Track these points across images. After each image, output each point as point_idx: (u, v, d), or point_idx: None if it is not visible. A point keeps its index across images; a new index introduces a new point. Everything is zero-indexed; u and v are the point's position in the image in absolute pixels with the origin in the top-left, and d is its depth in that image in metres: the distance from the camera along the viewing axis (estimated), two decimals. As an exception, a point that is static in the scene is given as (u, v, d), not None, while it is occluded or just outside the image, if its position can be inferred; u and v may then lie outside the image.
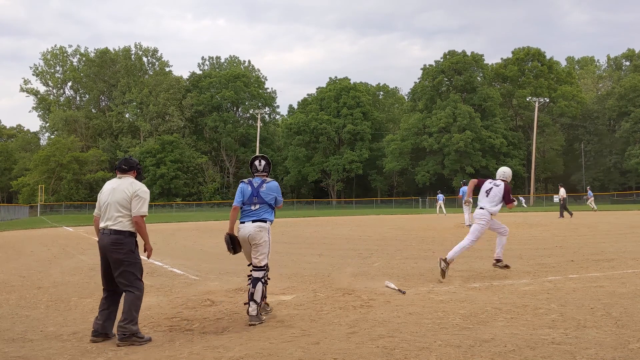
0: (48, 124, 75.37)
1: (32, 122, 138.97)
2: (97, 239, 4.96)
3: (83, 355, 4.33)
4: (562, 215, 25.10)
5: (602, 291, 6.26)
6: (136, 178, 5.00)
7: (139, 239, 4.90)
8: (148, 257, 5.05)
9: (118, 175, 4.96)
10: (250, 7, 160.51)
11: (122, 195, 4.79)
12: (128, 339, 4.55)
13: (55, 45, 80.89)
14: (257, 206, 5.55)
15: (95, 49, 76.09)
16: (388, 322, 5.01)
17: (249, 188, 5.62)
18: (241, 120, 76.49)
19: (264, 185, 5.63)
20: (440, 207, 35.16)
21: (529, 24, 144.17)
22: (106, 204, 4.83)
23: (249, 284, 5.45)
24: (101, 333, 4.72)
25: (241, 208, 5.64)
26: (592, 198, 34.69)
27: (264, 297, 5.53)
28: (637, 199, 53.43)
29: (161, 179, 65.16)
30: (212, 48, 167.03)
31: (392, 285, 6.85)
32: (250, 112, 76.84)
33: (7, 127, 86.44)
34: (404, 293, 6.44)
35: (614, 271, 7.92)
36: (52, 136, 73.38)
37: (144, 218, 4.84)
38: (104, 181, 65.77)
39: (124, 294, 4.79)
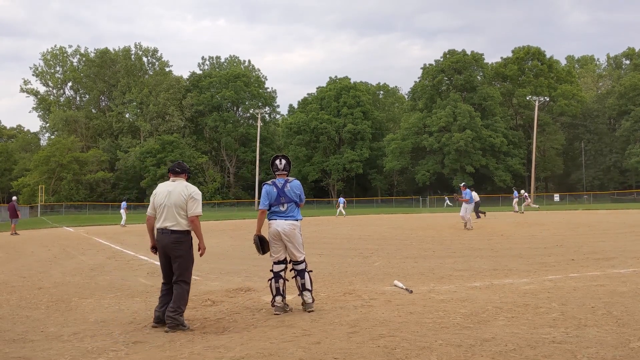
0: (48, 124, 75.21)
1: (32, 123, 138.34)
2: (147, 235, 5.47)
3: (84, 355, 4.33)
4: (478, 216, 26.48)
5: (603, 290, 6.26)
6: (186, 180, 5.51)
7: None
8: (201, 255, 5.46)
9: (171, 178, 5.43)
10: (250, 8, 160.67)
11: (179, 198, 5.24)
12: (176, 328, 5.06)
13: (55, 46, 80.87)
14: (285, 206, 5.73)
15: (95, 49, 75.98)
16: (389, 321, 5.01)
17: (274, 189, 5.76)
18: (241, 120, 76.36)
19: (288, 184, 5.79)
20: (340, 210, 36.84)
21: (529, 24, 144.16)
22: (163, 206, 5.27)
23: (294, 277, 5.70)
24: (162, 319, 5.18)
25: (268, 210, 5.76)
26: (517, 199, 35.04)
27: (279, 293, 5.63)
28: (637, 198, 53.39)
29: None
30: (212, 48, 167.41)
31: (400, 284, 6.87)
32: (251, 111, 76.70)
33: (7, 128, 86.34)
34: (411, 292, 6.46)
35: (614, 270, 7.92)
36: (52, 136, 73.21)
37: (199, 217, 5.31)
38: (103, 181, 66.40)
39: (174, 285, 5.24)
